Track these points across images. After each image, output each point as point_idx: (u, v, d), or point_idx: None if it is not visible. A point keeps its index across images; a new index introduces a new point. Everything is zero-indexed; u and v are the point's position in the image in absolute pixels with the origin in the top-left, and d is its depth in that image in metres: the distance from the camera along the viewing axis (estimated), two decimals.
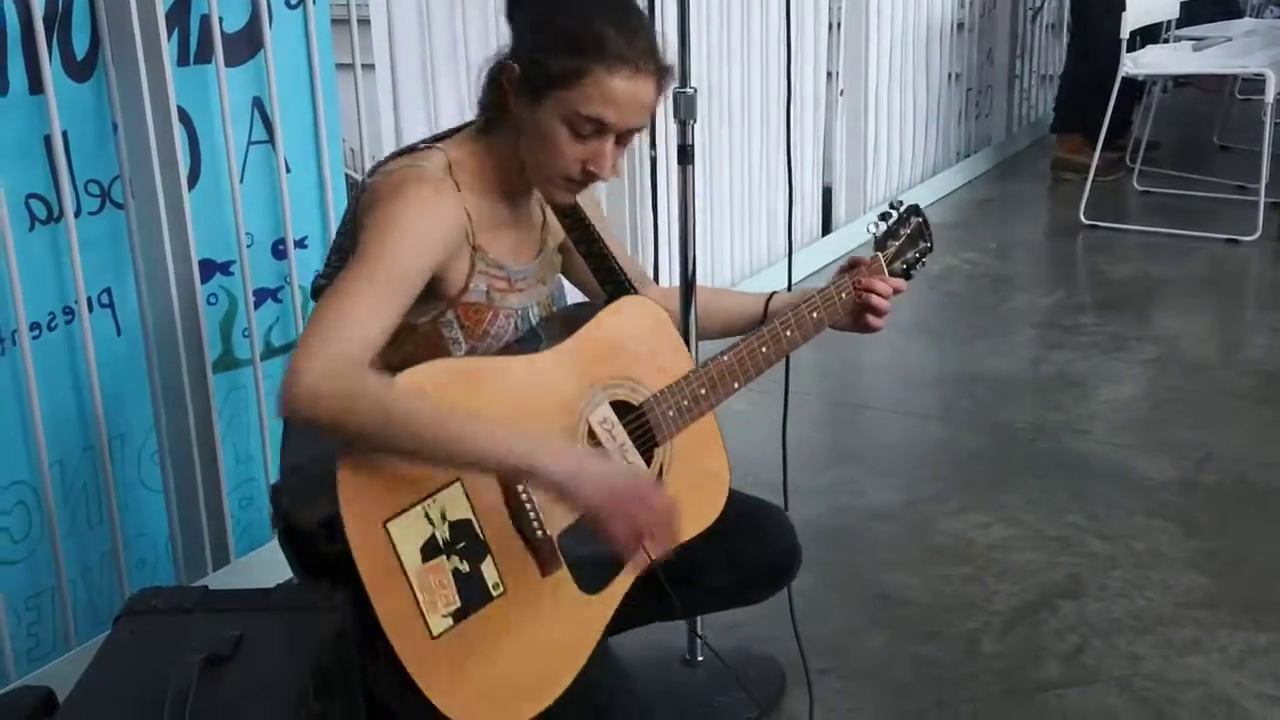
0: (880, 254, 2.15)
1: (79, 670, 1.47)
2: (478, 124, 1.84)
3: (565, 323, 1.89)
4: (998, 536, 2.93)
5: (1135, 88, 5.05)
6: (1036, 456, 3.31)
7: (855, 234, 4.82)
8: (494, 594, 1.67)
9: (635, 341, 1.89)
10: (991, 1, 5.82)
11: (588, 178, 1.79)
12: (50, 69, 2.23)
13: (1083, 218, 5.00)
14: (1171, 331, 4.11)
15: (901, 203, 2.22)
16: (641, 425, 1.87)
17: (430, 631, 1.60)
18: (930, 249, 2.23)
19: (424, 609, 1.60)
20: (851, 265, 2.12)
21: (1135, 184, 5.52)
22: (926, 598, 2.69)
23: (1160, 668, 2.44)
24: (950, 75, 5.60)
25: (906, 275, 2.18)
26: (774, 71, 4.30)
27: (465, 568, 1.65)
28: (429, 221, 1.69)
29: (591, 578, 1.79)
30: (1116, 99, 4.81)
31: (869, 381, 3.85)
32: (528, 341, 1.86)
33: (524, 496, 1.71)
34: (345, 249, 1.73)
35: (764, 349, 1.99)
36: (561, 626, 1.76)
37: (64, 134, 2.29)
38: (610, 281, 1.99)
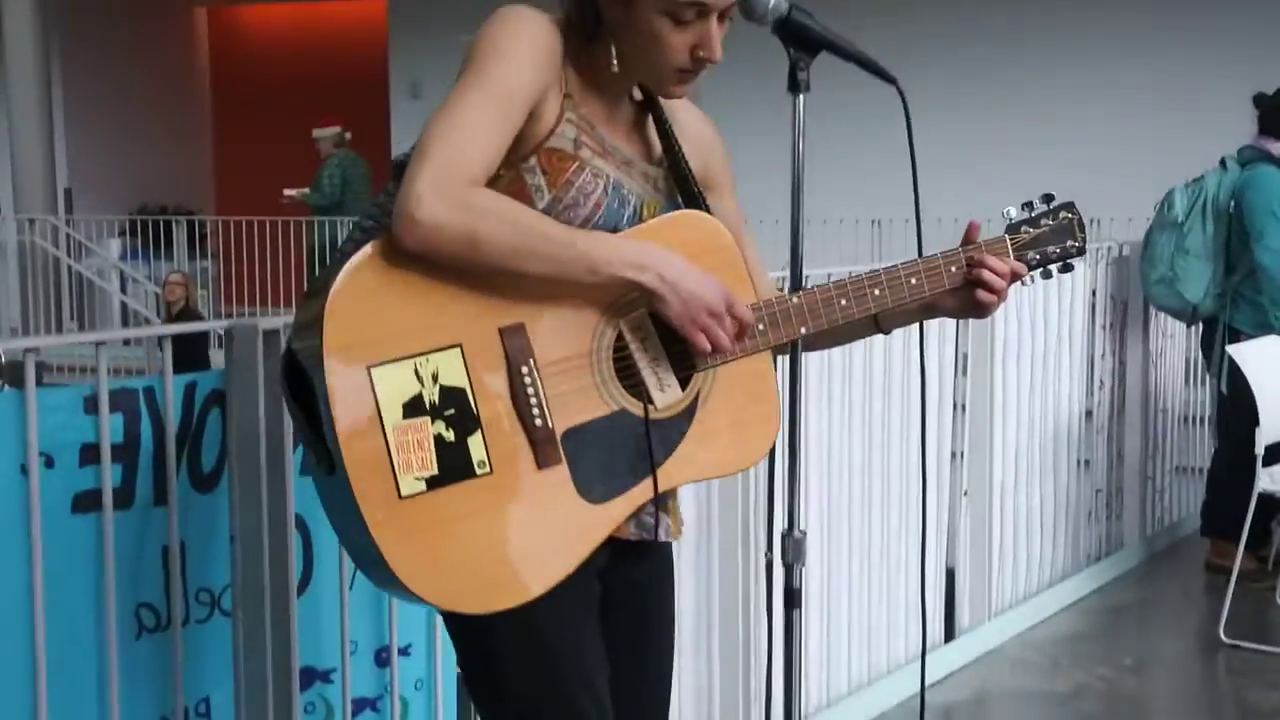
0: (1009, 236, 2.00)
1: None
2: (577, 33, 1.79)
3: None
4: None
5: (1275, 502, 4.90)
6: None
7: (982, 640, 4.65)
8: (477, 471, 1.58)
9: (694, 258, 1.77)
10: (1120, 394, 5.78)
11: (698, 64, 1.77)
12: (176, 483, 2.30)
13: (1223, 635, 4.77)
14: None
15: (1053, 196, 2.06)
16: (683, 346, 1.76)
17: (399, 490, 1.52)
18: (1080, 251, 2.03)
19: (395, 465, 1.52)
20: (965, 242, 1.97)
21: (1279, 599, 5.29)
22: None
23: None
24: (1080, 461, 5.53)
25: (1045, 272, 2.01)
26: (895, 452, 4.27)
27: (450, 436, 1.58)
28: (529, 39, 1.69)
29: (595, 486, 1.68)
30: (1256, 510, 4.67)
31: None
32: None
33: (527, 380, 1.63)
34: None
35: (843, 300, 1.86)
36: (548, 526, 1.65)
37: (181, 543, 2.33)
38: (686, 196, 1.90)
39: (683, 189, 1.90)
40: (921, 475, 2.26)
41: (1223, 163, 5.30)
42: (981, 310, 1.98)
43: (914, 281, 1.92)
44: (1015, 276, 1.98)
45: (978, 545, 4.90)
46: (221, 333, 2.37)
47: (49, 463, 2.13)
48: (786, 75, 2.01)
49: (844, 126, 8.34)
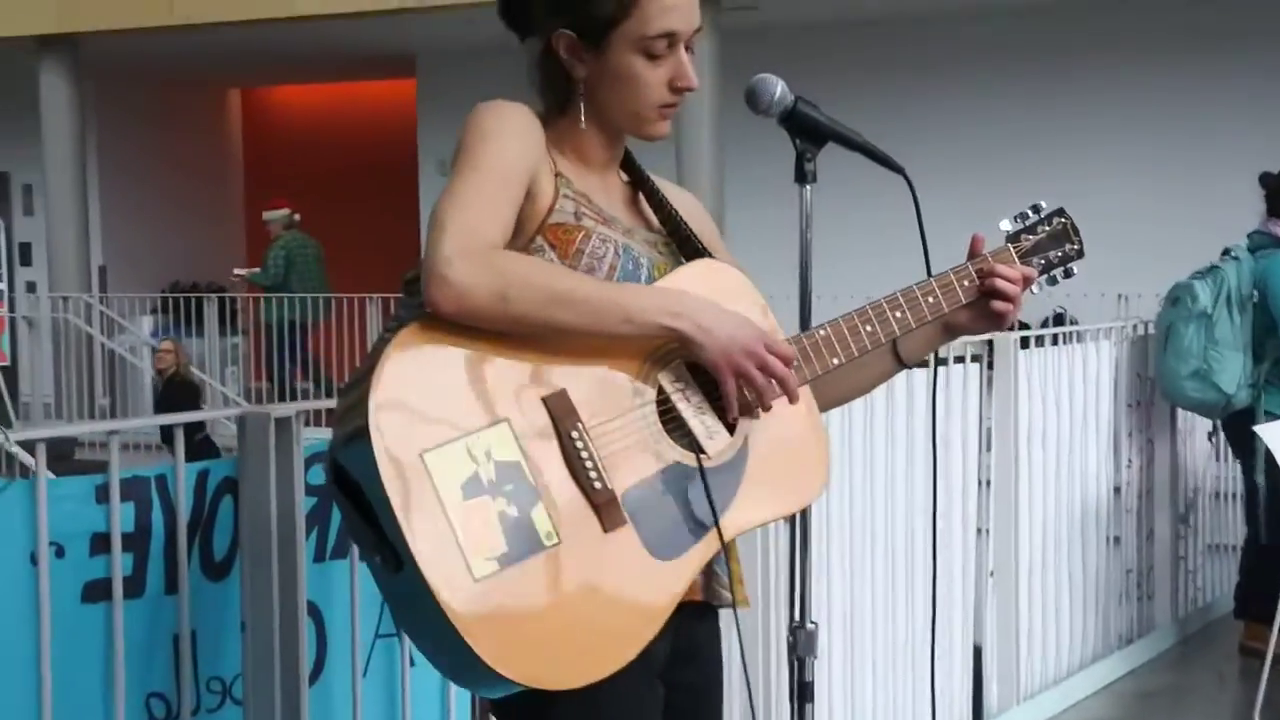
0: (1011, 245, 2.01)
1: None
2: (549, 110, 1.83)
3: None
4: None
5: None
6: None
7: None
8: (546, 543, 1.55)
9: (722, 303, 1.76)
10: (1148, 472, 5.72)
11: (677, 95, 1.80)
12: (187, 571, 2.30)
13: None
14: None
15: (1042, 206, 2.07)
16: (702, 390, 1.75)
17: (472, 573, 1.48)
18: (1079, 254, 2.06)
19: (464, 549, 1.49)
20: (971, 255, 1.98)
21: None
22: None
23: None
24: (1109, 539, 5.46)
25: (1050, 279, 2.03)
26: (919, 529, 4.23)
27: (513, 512, 1.55)
28: (512, 122, 1.72)
29: (664, 543, 1.66)
30: None
31: None
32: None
33: (579, 445, 1.60)
34: None
35: (867, 327, 1.87)
36: (626, 588, 1.62)
37: (192, 632, 2.33)
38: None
39: (687, 250, 1.92)
40: (932, 552, 2.24)
41: (1226, 252, 5.28)
42: (999, 320, 1.99)
43: (931, 300, 1.94)
44: (1027, 282, 2.01)
45: (1005, 625, 4.83)
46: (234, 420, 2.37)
47: (59, 552, 2.13)
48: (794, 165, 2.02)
49: (844, 205, 8.22)
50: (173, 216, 14.06)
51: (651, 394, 1.72)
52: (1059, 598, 5.11)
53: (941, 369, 4.39)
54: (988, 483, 4.77)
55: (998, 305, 1.97)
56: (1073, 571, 5.21)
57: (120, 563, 2.20)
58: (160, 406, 9.10)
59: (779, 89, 1.97)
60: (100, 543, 2.19)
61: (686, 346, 1.72)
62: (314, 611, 2.53)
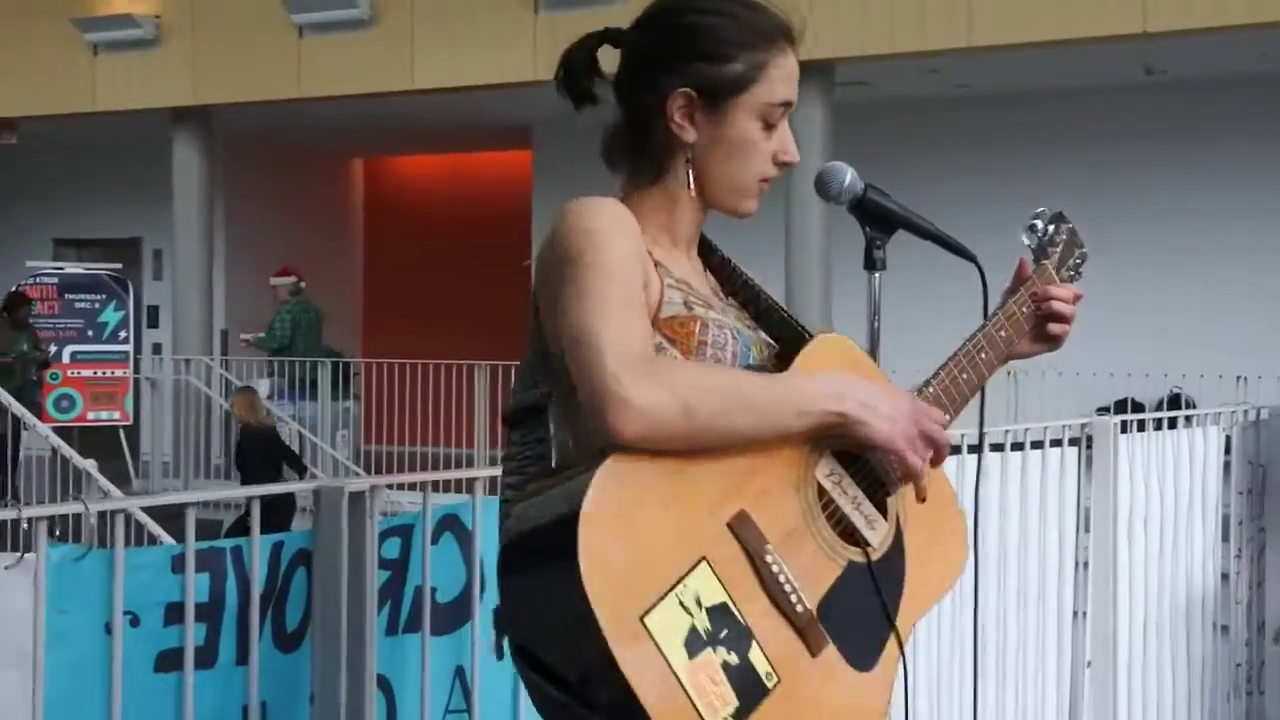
0: (1046, 262, 1.99)
1: None
2: (638, 181, 1.76)
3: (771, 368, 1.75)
4: None
5: None
6: None
7: None
8: (769, 685, 1.50)
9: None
10: (1260, 562, 5.52)
11: (780, 169, 1.76)
12: (259, 643, 2.34)
13: None
14: None
15: (1045, 211, 2.06)
16: (868, 473, 1.68)
17: None
18: (1086, 256, 2.07)
19: (702, 712, 1.43)
20: (1020, 281, 1.97)
21: None
22: None
23: None
24: (1216, 626, 5.27)
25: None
26: (1012, 616, 4.13)
27: (734, 659, 1.48)
28: (616, 217, 1.64)
29: (859, 652, 1.60)
30: None
31: None
32: None
33: (775, 569, 1.53)
34: (530, 347, 1.70)
35: (964, 376, 1.85)
36: (845, 711, 1.58)
37: (262, 704, 2.36)
38: (790, 336, 1.82)
39: (768, 320, 1.86)
40: (973, 639, 2.17)
41: None
42: (1056, 342, 1.99)
43: (1003, 334, 1.93)
44: (1077, 298, 2.00)
45: (1102, 716, 4.68)
46: (311, 494, 2.42)
47: (134, 621, 2.19)
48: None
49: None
50: None
51: (814, 491, 1.64)
52: (1160, 690, 4.94)
53: (1036, 452, 4.32)
54: (1085, 564, 4.66)
55: (1055, 328, 1.98)
56: (1176, 661, 5.03)
57: (193, 633, 2.24)
58: (237, 458, 9.28)
59: (848, 176, 1.95)
60: (174, 612, 2.24)
61: (851, 429, 1.63)
62: (384, 684, 2.56)
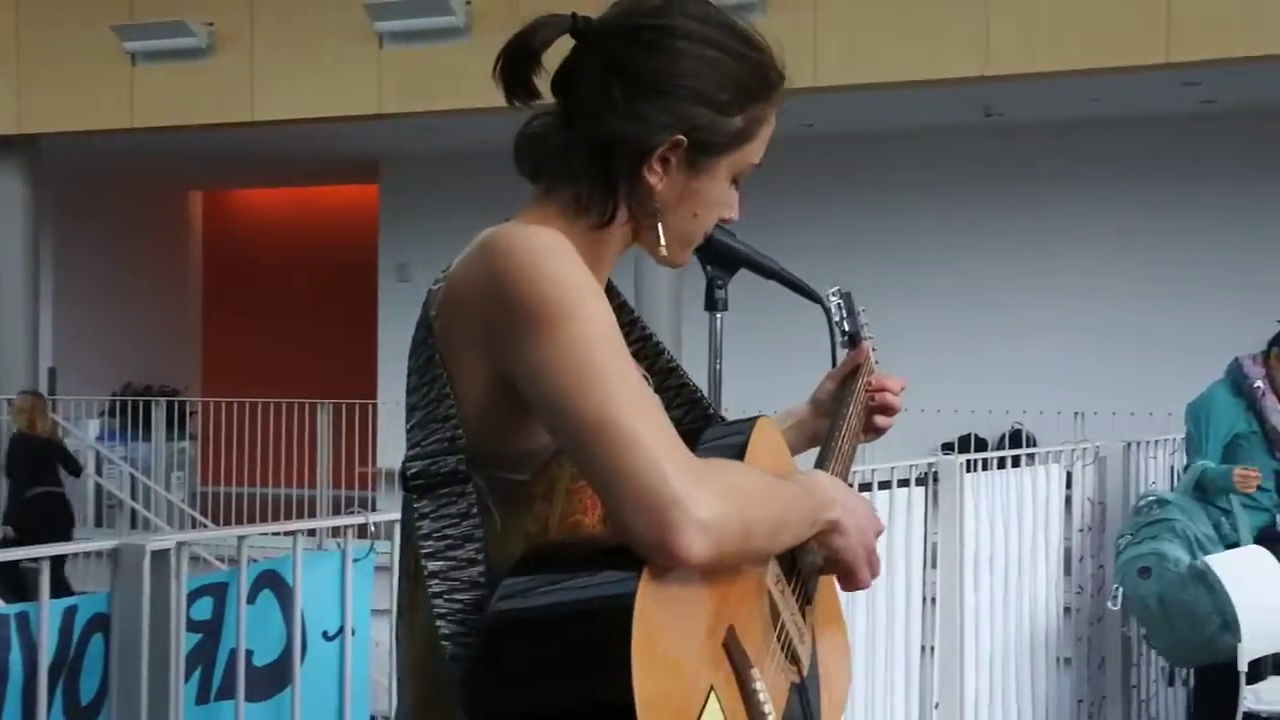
0: (867, 342, 1.89)
1: None
2: (572, 210, 1.47)
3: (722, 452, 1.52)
4: None
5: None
6: None
7: None
8: None
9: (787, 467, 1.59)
10: (1100, 599, 5.59)
11: (717, 226, 1.58)
12: (48, 718, 2.13)
13: None
14: None
15: (837, 288, 1.95)
16: (796, 579, 1.54)
17: None
18: (861, 323, 1.96)
19: None
20: (855, 369, 1.84)
21: None
22: None
23: None
24: (1059, 659, 5.32)
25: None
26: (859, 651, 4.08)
27: None
28: (579, 265, 1.38)
29: None
30: None
31: None
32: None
33: (761, 698, 1.39)
34: (427, 395, 1.40)
35: (838, 469, 1.71)
36: None
37: None
38: (686, 403, 1.65)
39: (671, 381, 1.68)
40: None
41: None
42: (879, 434, 1.88)
43: (854, 422, 1.81)
44: (903, 388, 1.90)
45: None
46: (107, 552, 2.22)
47: None
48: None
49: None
50: (128, 318, 13.91)
51: (767, 600, 1.49)
52: None
53: (884, 492, 4.29)
54: (933, 599, 4.65)
55: (881, 421, 1.87)
56: (1021, 696, 5.06)
57: None
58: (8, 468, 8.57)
59: None
60: None
61: (827, 537, 1.48)
62: None
